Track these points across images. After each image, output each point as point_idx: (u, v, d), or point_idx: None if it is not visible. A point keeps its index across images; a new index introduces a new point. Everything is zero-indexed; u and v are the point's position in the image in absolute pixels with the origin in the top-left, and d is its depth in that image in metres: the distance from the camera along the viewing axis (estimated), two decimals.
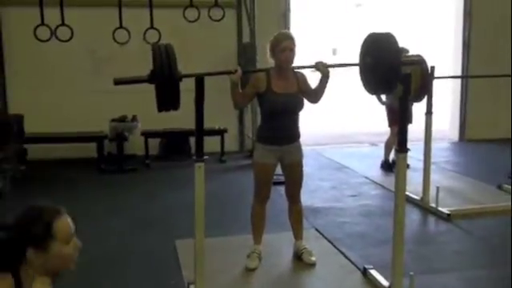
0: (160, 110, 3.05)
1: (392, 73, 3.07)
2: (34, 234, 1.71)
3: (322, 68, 3.53)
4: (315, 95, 3.69)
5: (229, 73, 3.43)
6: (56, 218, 1.75)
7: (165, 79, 2.94)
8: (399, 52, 3.14)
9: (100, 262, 3.99)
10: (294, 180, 3.83)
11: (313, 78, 3.72)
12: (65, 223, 1.77)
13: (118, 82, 3.11)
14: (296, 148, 3.76)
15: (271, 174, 3.78)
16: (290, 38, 3.59)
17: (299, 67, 3.62)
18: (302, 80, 3.69)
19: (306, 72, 3.71)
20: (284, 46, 3.53)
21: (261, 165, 3.72)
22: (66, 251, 1.75)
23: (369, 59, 3.17)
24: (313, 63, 3.52)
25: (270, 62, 3.66)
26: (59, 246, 1.73)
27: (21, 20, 6.97)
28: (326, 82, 3.61)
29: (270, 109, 3.64)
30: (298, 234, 3.98)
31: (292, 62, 3.58)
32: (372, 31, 3.29)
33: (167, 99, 2.99)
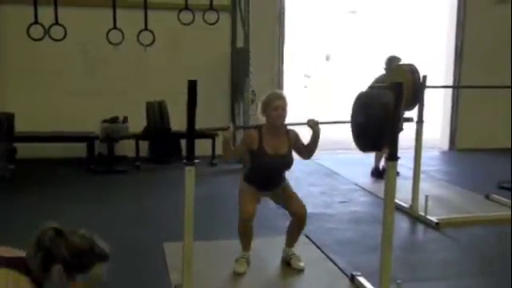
0: (154, 163, 3.10)
1: (383, 131, 3.17)
2: (78, 263, 1.81)
3: (313, 125, 3.60)
4: (308, 152, 3.76)
5: (221, 129, 3.50)
6: (100, 262, 1.87)
7: (158, 138, 3.00)
8: (390, 110, 3.18)
9: None
10: (289, 195, 3.83)
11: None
12: (101, 271, 1.88)
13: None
14: (282, 184, 3.83)
15: (257, 198, 3.79)
16: (282, 98, 3.65)
17: (291, 124, 3.69)
18: (293, 137, 3.75)
19: (299, 129, 3.78)
20: (276, 105, 3.59)
21: (246, 192, 3.77)
22: None
23: (361, 118, 3.28)
24: (305, 121, 3.60)
25: (262, 120, 3.71)
26: (80, 283, 1.82)
27: (14, 18, 6.95)
28: (318, 140, 3.68)
29: (259, 166, 3.72)
30: (291, 242, 3.97)
31: (284, 120, 3.64)
32: (361, 91, 3.43)
33: (161, 156, 3.06)
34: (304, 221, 3.85)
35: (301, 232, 3.95)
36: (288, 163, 3.74)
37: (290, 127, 3.75)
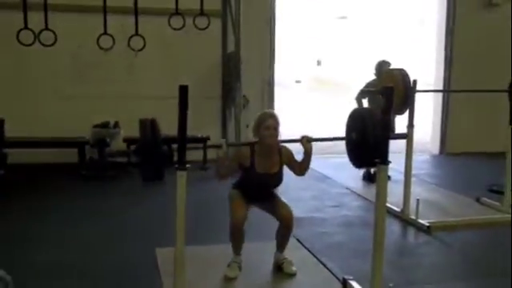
0: (145, 181, 3.16)
1: (378, 148, 3.20)
2: None
3: (305, 143, 3.60)
4: (300, 170, 3.77)
5: (214, 146, 3.52)
6: None
7: (150, 155, 3.02)
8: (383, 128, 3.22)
9: (77, 268, 3.96)
10: (276, 202, 3.84)
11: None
12: None
13: None
14: (271, 196, 3.87)
15: (247, 205, 3.80)
16: (274, 117, 3.65)
17: (284, 141, 3.68)
18: (285, 155, 3.76)
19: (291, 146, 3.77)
20: (268, 124, 3.59)
21: (236, 198, 3.80)
22: None
23: (355, 135, 3.31)
24: (298, 137, 3.59)
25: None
26: None
27: (3, 23, 6.91)
28: (310, 158, 3.68)
29: (249, 182, 3.76)
30: (281, 247, 3.97)
31: (276, 140, 3.63)
32: (355, 109, 3.48)
33: (152, 172, 3.07)
34: (291, 225, 3.85)
35: (289, 236, 3.94)
36: (278, 181, 3.78)
37: (283, 144, 3.74)
